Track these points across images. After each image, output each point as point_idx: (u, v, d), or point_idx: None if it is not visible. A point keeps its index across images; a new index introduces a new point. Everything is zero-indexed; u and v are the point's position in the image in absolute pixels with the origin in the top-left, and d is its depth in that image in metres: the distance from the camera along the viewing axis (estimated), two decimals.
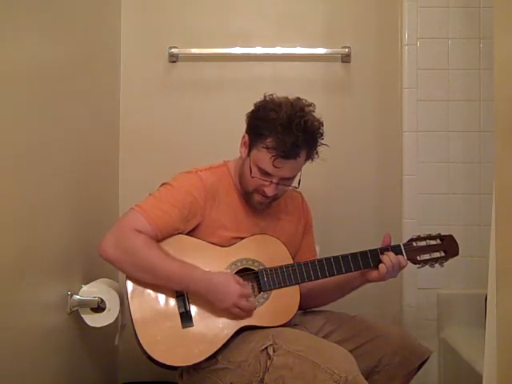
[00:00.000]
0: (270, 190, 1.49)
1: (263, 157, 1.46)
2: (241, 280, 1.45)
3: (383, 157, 2.13)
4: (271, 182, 1.48)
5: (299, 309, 1.55)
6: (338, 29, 2.14)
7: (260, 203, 1.54)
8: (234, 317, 1.44)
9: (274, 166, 1.45)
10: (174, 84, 2.14)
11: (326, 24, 2.14)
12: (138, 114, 2.12)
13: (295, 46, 2.10)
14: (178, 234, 1.48)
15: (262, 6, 2.15)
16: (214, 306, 1.43)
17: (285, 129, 1.43)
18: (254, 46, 2.09)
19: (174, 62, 2.12)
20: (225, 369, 1.41)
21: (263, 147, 1.46)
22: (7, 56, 1.12)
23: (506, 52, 1.11)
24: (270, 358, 1.33)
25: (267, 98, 1.52)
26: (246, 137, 1.53)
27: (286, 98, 1.51)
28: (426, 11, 2.09)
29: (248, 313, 1.44)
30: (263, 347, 1.36)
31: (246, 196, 1.55)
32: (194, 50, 2.10)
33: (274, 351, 1.34)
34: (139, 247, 1.40)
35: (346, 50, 2.08)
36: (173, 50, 2.08)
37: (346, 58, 2.11)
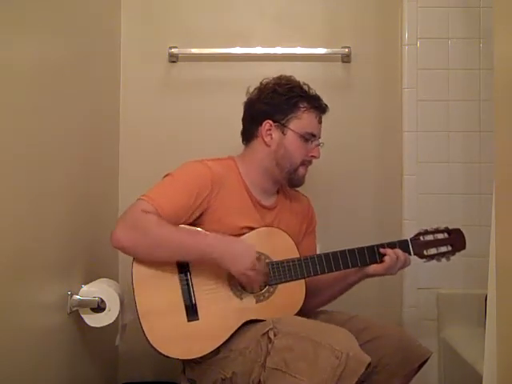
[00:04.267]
0: (318, 152, 1.61)
1: (309, 119, 1.59)
2: (255, 251, 1.46)
3: (383, 157, 2.13)
4: (317, 143, 1.61)
5: (301, 313, 1.55)
6: (338, 29, 2.14)
7: (303, 177, 1.63)
8: (239, 309, 1.44)
9: (319, 122, 1.61)
10: (173, 84, 2.14)
11: (326, 24, 2.14)
12: (138, 114, 2.12)
13: (295, 46, 2.10)
14: (182, 224, 1.48)
15: (261, 5, 2.14)
16: (220, 301, 1.43)
17: (306, 91, 1.61)
18: (254, 46, 2.09)
19: (173, 61, 2.12)
20: (226, 358, 1.41)
21: (304, 111, 1.58)
22: (7, 56, 1.12)
23: (506, 52, 1.11)
24: (270, 342, 1.33)
25: (264, 82, 1.64)
26: (270, 121, 1.59)
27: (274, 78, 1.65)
28: (426, 11, 2.09)
29: (257, 281, 1.45)
30: (264, 331, 1.36)
31: (288, 176, 1.60)
32: (194, 50, 2.09)
33: (274, 335, 1.34)
34: (151, 224, 1.40)
35: (346, 50, 2.08)
36: (173, 50, 2.08)
37: (346, 58, 2.11)
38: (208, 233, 1.47)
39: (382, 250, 1.54)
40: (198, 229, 1.49)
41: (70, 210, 1.51)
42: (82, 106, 1.61)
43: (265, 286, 1.50)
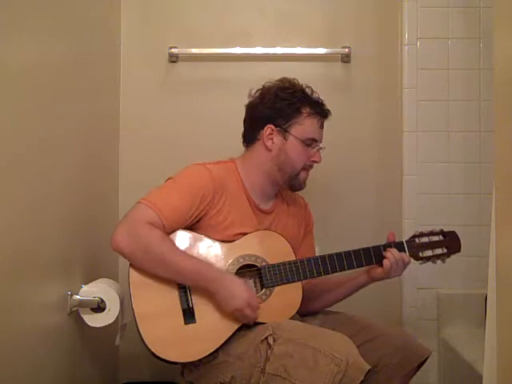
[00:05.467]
0: (319, 156, 1.61)
1: (311, 124, 1.58)
2: (251, 289, 1.46)
3: (383, 157, 2.13)
4: (319, 148, 1.61)
5: (300, 314, 1.55)
6: (338, 29, 2.14)
7: (304, 181, 1.62)
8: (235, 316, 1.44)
9: (320, 128, 1.61)
10: (173, 84, 2.14)
11: (326, 24, 2.14)
12: (138, 114, 2.12)
13: (295, 46, 2.10)
14: (182, 229, 1.48)
15: (262, 6, 2.14)
16: (217, 304, 1.43)
17: (308, 96, 1.61)
18: (254, 46, 2.09)
19: (174, 62, 2.12)
20: (225, 362, 1.41)
21: (306, 116, 1.58)
22: (7, 56, 1.12)
23: (506, 52, 1.11)
24: (270, 348, 1.33)
25: (266, 85, 1.62)
26: (272, 126, 1.58)
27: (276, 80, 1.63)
28: (426, 11, 2.09)
29: (252, 318, 1.43)
30: (263, 337, 1.36)
31: (289, 181, 1.60)
32: (194, 50, 2.09)
33: (274, 340, 1.33)
34: (154, 242, 1.40)
35: (346, 50, 2.08)
36: (173, 50, 2.08)
37: (345, 58, 2.11)
38: (207, 264, 1.45)
39: (383, 254, 1.54)
40: (207, 239, 1.49)
41: (70, 210, 1.51)
42: (82, 106, 1.61)
43: (261, 289, 1.50)
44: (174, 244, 1.44)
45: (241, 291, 1.41)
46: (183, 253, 1.44)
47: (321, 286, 1.62)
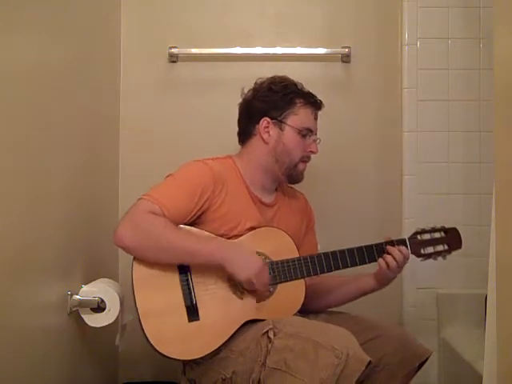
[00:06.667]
0: (316, 147, 1.62)
1: (305, 114, 1.60)
2: (259, 261, 1.45)
3: (383, 157, 2.13)
4: (315, 139, 1.62)
5: (301, 312, 1.55)
6: (338, 29, 2.15)
7: (302, 172, 1.63)
8: (239, 309, 1.44)
9: (314, 118, 1.63)
10: (173, 84, 2.14)
11: (326, 24, 2.14)
12: (138, 114, 2.12)
13: (295, 46, 2.10)
14: (184, 224, 1.48)
15: (262, 5, 2.15)
16: (221, 301, 1.43)
17: (300, 89, 1.62)
18: (254, 46, 2.09)
19: (174, 61, 2.12)
20: (227, 358, 1.41)
21: (300, 106, 1.59)
22: (7, 56, 1.12)
23: (506, 52, 1.11)
24: (270, 342, 1.33)
25: (258, 82, 1.65)
26: (268, 118, 1.60)
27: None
28: (426, 11, 2.09)
29: (262, 288, 1.45)
30: (264, 331, 1.36)
31: (287, 173, 1.61)
32: (194, 50, 2.10)
33: (274, 334, 1.34)
34: (158, 228, 1.40)
35: (346, 50, 2.08)
36: (173, 50, 2.08)
37: (345, 58, 2.11)
38: (214, 237, 1.47)
39: (388, 248, 1.54)
40: (206, 232, 1.49)
41: (70, 210, 1.51)
42: (82, 106, 1.61)
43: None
44: (177, 228, 1.44)
45: (250, 261, 1.42)
46: (188, 233, 1.45)
47: (323, 285, 1.62)
